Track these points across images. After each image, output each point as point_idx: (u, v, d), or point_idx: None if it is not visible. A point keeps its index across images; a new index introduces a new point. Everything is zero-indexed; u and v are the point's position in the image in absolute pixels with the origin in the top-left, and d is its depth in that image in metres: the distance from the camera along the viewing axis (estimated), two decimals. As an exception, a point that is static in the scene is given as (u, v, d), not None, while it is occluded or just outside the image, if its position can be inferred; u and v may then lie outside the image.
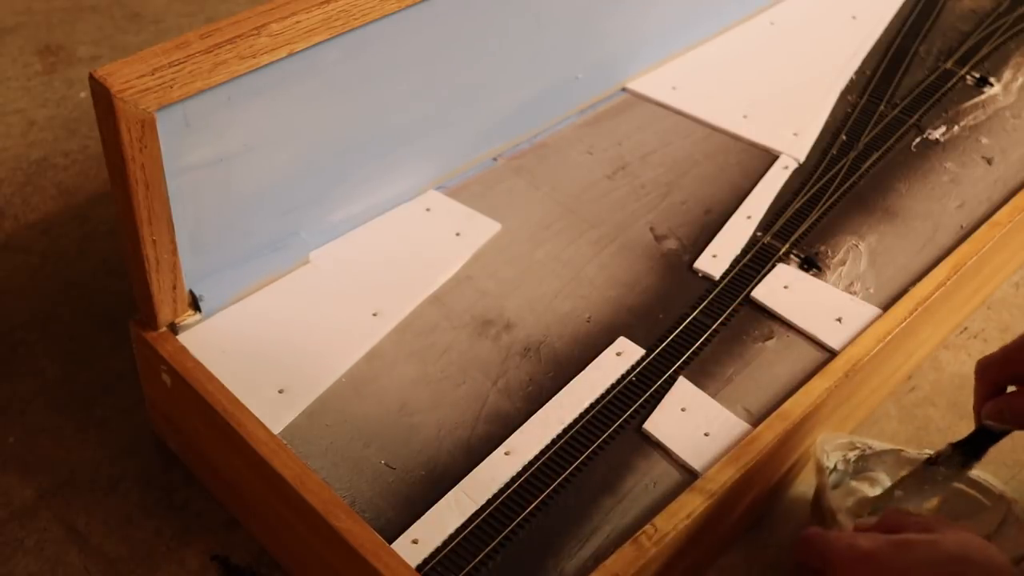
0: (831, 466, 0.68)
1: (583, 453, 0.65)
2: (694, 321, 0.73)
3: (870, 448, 0.69)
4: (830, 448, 0.69)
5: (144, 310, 0.68)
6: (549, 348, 0.72)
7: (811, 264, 0.78)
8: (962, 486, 0.67)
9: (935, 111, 0.93)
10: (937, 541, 0.55)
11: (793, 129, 0.90)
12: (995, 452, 0.77)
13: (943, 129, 0.91)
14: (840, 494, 0.67)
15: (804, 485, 0.74)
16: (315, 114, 0.69)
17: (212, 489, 0.73)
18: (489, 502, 0.62)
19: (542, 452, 0.65)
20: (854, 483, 0.68)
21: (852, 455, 0.69)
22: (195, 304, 0.70)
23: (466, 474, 0.64)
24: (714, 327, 0.73)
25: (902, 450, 0.69)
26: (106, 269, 0.90)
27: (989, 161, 0.88)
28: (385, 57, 0.71)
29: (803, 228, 0.81)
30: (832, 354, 0.71)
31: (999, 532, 0.66)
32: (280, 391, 0.67)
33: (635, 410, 0.68)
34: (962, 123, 0.92)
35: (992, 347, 0.84)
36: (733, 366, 0.71)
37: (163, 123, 0.60)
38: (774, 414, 0.66)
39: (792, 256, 0.78)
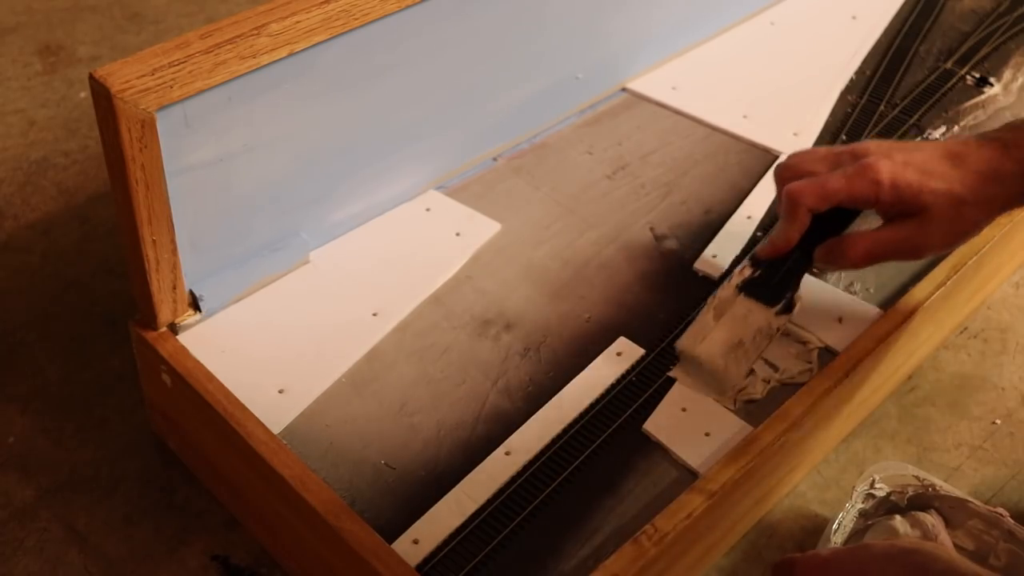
0: (859, 504, 0.67)
1: (583, 453, 0.65)
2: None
3: (935, 488, 0.68)
4: (881, 476, 0.68)
5: (144, 310, 0.68)
6: (549, 348, 0.71)
7: (811, 264, 0.78)
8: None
9: (935, 111, 0.93)
10: (893, 543, 0.57)
11: (793, 129, 0.90)
12: (995, 452, 0.77)
13: (943, 129, 0.91)
14: (877, 531, 0.67)
15: (805, 485, 0.74)
16: (315, 114, 0.69)
17: (212, 489, 0.73)
18: (489, 502, 0.62)
19: (542, 452, 0.65)
20: (898, 519, 0.67)
21: (911, 490, 0.68)
22: (195, 304, 0.70)
23: (466, 474, 0.64)
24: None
25: (969, 501, 0.68)
26: (106, 269, 0.90)
27: (989, 161, 0.88)
28: (385, 57, 0.71)
29: (803, 228, 0.81)
30: (833, 354, 0.71)
31: None
32: (280, 391, 0.67)
33: (635, 410, 0.68)
34: (962, 123, 0.92)
35: (992, 347, 0.84)
36: (733, 366, 0.71)
37: (163, 123, 0.60)
38: (774, 414, 0.66)
39: (792, 256, 0.78)
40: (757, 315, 0.68)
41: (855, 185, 0.64)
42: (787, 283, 0.68)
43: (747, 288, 0.68)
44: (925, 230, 0.64)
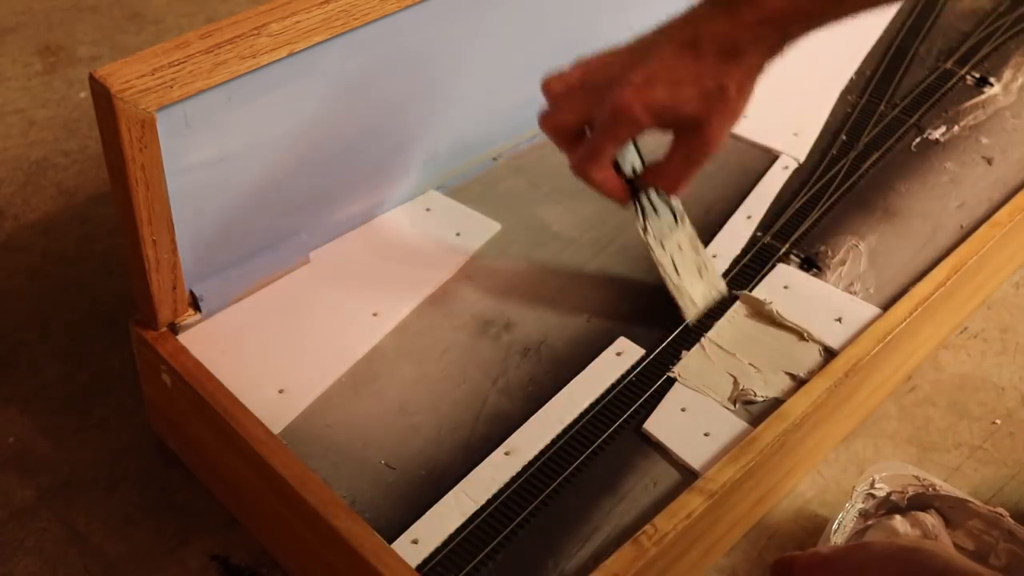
0: (859, 504, 0.67)
1: (583, 453, 0.65)
2: (694, 321, 0.73)
3: (935, 488, 0.68)
4: (881, 476, 0.68)
5: (144, 310, 0.68)
6: (549, 348, 0.71)
7: (811, 264, 0.78)
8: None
9: (935, 111, 0.93)
10: (893, 541, 0.58)
11: (793, 129, 0.90)
12: (995, 452, 0.77)
13: (943, 129, 0.91)
14: (876, 531, 0.67)
15: (805, 485, 0.74)
16: (316, 114, 0.69)
17: (212, 489, 0.73)
18: (489, 502, 0.62)
19: (542, 452, 0.65)
20: (898, 519, 0.67)
21: (911, 490, 0.68)
22: (195, 304, 0.70)
23: (466, 474, 0.64)
24: (714, 327, 0.73)
25: (969, 501, 0.67)
26: (106, 269, 0.90)
27: (989, 161, 0.88)
28: (385, 57, 0.71)
29: (803, 228, 0.81)
30: (832, 354, 0.71)
31: None
32: (280, 391, 0.67)
33: (635, 410, 0.68)
34: (962, 123, 0.92)
35: (992, 347, 0.84)
36: (733, 366, 0.71)
37: (163, 123, 0.60)
38: (774, 414, 0.66)
39: (792, 256, 0.78)
40: (678, 237, 0.73)
41: (619, 134, 0.64)
42: (663, 202, 0.72)
43: (650, 230, 0.72)
44: (702, 134, 0.64)
